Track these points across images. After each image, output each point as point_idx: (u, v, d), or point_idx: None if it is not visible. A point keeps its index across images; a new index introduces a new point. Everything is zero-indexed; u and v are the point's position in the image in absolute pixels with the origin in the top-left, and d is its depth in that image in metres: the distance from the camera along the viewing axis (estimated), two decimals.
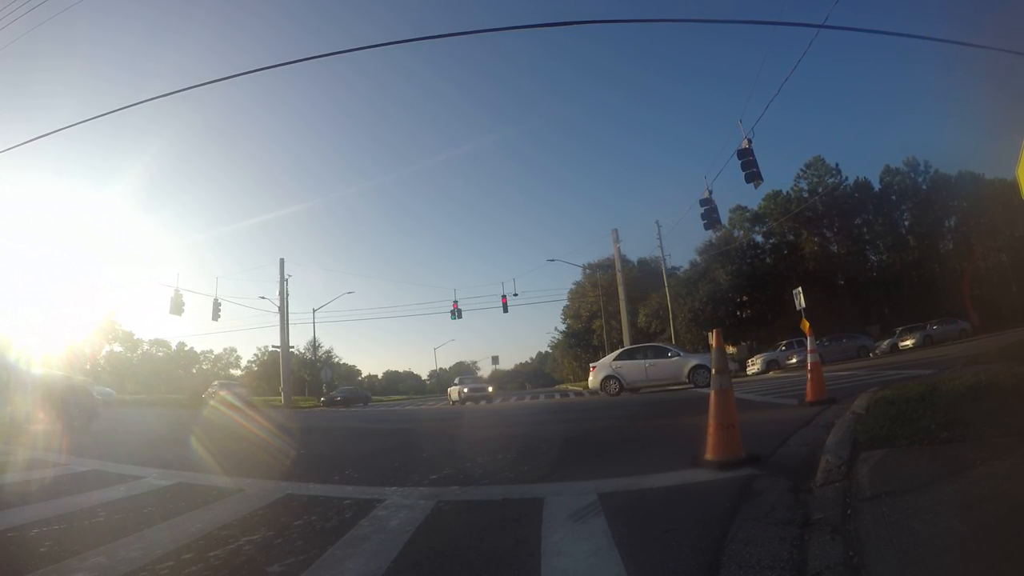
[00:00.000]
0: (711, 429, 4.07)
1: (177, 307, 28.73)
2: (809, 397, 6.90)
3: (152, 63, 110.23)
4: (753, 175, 15.13)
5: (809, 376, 7.01)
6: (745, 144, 15.17)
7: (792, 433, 5.12)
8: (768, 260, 45.99)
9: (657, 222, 35.90)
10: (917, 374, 9.73)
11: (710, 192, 21.13)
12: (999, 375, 5.42)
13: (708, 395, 4.22)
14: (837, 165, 47.48)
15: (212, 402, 27.57)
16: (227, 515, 3.40)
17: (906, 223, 47.39)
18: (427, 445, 7.15)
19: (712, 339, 4.27)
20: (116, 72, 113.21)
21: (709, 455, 4.05)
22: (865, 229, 47.97)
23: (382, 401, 43.87)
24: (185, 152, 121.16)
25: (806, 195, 46.32)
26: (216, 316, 33.02)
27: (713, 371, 4.22)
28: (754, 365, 29.53)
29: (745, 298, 43.55)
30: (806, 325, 25.80)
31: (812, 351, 7.13)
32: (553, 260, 49.57)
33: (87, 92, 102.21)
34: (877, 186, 47.63)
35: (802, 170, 47.79)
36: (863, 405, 5.31)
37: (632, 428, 7.41)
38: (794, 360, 27.00)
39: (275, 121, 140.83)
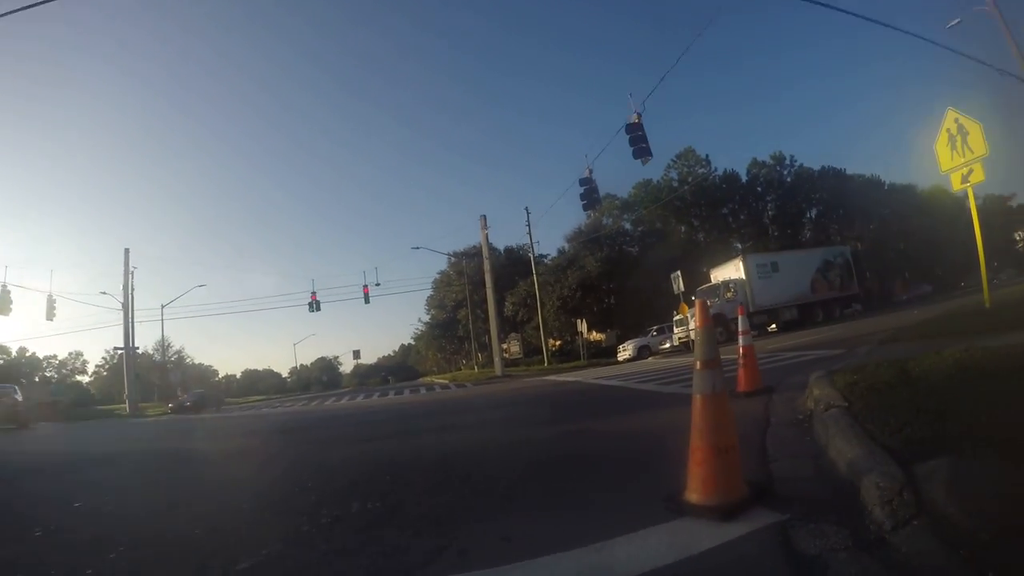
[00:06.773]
0: (700, 455, 2.50)
1: (4, 305, 25.02)
2: (743, 387, 5.72)
3: None
4: (642, 151, 14.34)
5: (742, 362, 5.81)
6: (635, 119, 14.31)
7: (760, 439, 3.77)
8: (635, 248, 47.21)
9: (526, 208, 34.53)
10: (827, 355, 9.22)
11: (591, 171, 20.46)
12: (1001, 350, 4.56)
13: (692, 400, 2.66)
14: (707, 156, 49.53)
15: None
16: None
17: (770, 213, 51.07)
18: (210, 493, 4.83)
19: (696, 312, 2.70)
20: None
21: (696, 495, 2.49)
22: (731, 219, 50.70)
23: (238, 403, 38.75)
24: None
25: (676, 184, 47.60)
26: (51, 315, 28.47)
27: (698, 365, 2.66)
28: (625, 351, 29.55)
29: (613, 285, 44.26)
30: (685, 309, 26.35)
31: (745, 332, 5.94)
32: (418, 248, 47.05)
33: None
34: (745, 178, 50.71)
35: (673, 160, 49.13)
36: (834, 395, 4.09)
37: (551, 440, 5.38)
38: (667, 345, 27.60)
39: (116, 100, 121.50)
